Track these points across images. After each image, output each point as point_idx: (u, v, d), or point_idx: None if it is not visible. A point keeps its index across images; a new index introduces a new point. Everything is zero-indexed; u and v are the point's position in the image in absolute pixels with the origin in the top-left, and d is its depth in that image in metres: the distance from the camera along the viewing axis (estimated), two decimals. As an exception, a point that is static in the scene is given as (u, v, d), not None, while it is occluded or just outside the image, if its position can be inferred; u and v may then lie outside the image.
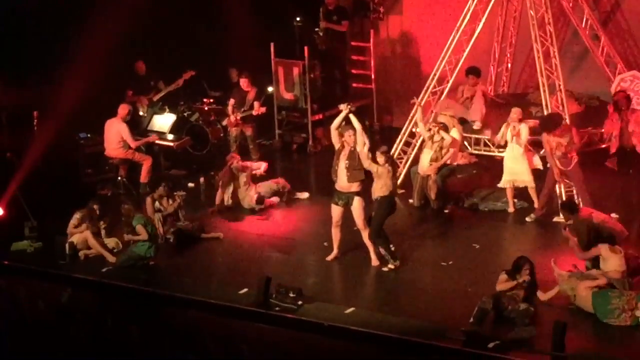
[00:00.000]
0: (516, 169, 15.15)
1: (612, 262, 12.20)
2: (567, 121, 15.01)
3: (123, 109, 16.61)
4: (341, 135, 13.61)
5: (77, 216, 14.40)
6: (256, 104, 17.39)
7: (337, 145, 13.70)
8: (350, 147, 13.50)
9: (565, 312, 12.19)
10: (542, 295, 12.39)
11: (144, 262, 13.96)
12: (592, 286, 12.16)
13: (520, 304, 11.92)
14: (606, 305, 11.95)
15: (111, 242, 14.49)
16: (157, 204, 14.78)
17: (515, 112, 15.15)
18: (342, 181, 13.59)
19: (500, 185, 15.37)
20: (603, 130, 15.80)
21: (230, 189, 15.85)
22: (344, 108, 13.69)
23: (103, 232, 14.51)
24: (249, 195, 15.77)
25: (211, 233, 14.99)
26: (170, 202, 14.82)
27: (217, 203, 15.87)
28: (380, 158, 13.58)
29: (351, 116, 13.63)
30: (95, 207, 14.47)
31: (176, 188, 15.25)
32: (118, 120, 16.57)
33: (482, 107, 16.18)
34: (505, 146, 15.45)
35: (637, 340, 11.75)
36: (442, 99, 16.13)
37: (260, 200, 15.74)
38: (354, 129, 13.51)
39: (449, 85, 16.12)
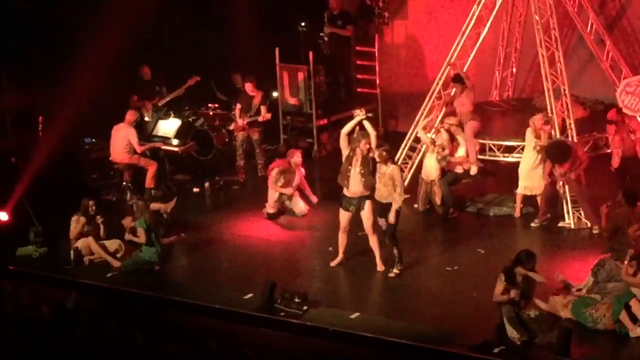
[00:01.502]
0: (533, 174, 15.10)
1: None
2: (573, 135, 14.96)
3: (131, 115, 16.62)
4: (358, 141, 13.51)
5: (74, 219, 14.40)
6: (263, 108, 17.40)
7: (345, 151, 13.64)
8: (363, 154, 13.44)
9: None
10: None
11: (149, 266, 13.98)
12: (565, 303, 12.21)
13: (529, 312, 11.77)
14: (581, 308, 11.98)
15: (114, 244, 14.49)
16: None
17: (540, 119, 15.05)
18: (355, 187, 13.51)
19: (518, 191, 15.31)
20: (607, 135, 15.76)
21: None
22: (358, 114, 13.62)
23: (102, 227, 14.48)
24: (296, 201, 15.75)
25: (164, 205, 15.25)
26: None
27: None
28: (381, 158, 13.48)
29: (365, 122, 13.57)
30: (90, 202, 14.45)
31: (180, 193, 15.26)
32: (126, 125, 16.56)
33: (474, 144, 15.96)
34: (510, 152, 15.46)
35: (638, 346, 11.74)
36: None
37: (271, 216, 15.74)
38: (368, 135, 13.45)
39: (454, 90, 16.09)
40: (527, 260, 11.93)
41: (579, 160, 14.62)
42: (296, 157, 15.78)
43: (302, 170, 15.95)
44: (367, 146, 13.39)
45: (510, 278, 11.84)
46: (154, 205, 15.12)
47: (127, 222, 14.41)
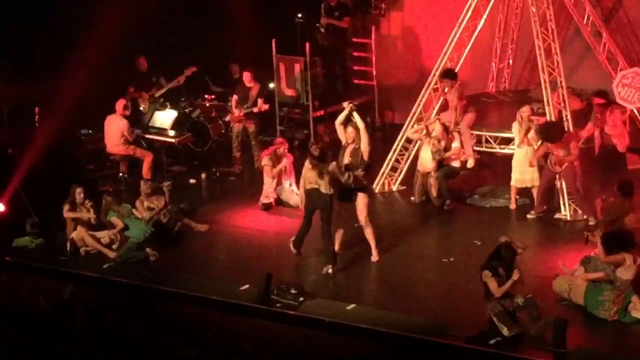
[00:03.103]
0: (525, 167, 15.11)
1: (631, 271, 12.13)
2: (570, 127, 14.98)
3: (119, 104, 16.62)
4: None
5: (66, 207, 14.39)
6: (259, 100, 17.41)
7: (344, 141, 13.71)
8: (354, 145, 13.47)
9: (561, 308, 12.17)
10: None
11: (145, 255, 13.98)
12: (591, 279, 12.20)
13: (517, 299, 11.67)
14: (597, 296, 12.02)
15: (109, 233, 14.48)
16: (146, 203, 14.76)
17: (527, 110, 15.11)
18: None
19: (511, 183, 15.32)
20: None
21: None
22: (346, 106, 13.70)
23: (92, 212, 14.43)
24: (287, 191, 15.80)
25: (198, 225, 15.01)
26: (158, 197, 14.82)
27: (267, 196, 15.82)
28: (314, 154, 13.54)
29: (354, 114, 13.62)
30: (78, 189, 14.43)
31: (176, 184, 15.26)
32: (118, 117, 16.59)
33: (470, 137, 15.96)
34: (507, 143, 15.45)
35: (635, 337, 11.76)
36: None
37: (266, 207, 15.75)
38: (356, 126, 13.48)
39: (446, 88, 16.06)
40: (507, 254, 11.86)
41: (570, 152, 14.59)
42: (283, 148, 15.81)
43: (290, 156, 15.96)
44: (352, 135, 13.45)
45: (495, 271, 11.79)
46: (186, 221, 15.09)
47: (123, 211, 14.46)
